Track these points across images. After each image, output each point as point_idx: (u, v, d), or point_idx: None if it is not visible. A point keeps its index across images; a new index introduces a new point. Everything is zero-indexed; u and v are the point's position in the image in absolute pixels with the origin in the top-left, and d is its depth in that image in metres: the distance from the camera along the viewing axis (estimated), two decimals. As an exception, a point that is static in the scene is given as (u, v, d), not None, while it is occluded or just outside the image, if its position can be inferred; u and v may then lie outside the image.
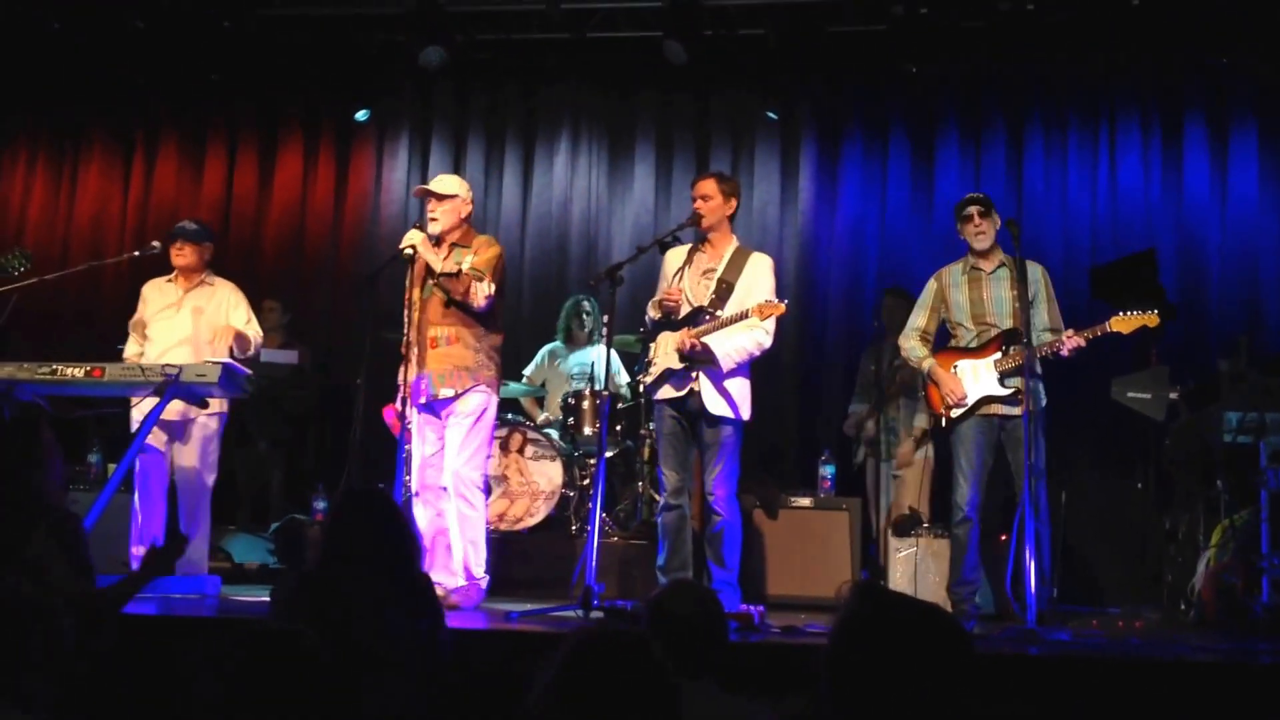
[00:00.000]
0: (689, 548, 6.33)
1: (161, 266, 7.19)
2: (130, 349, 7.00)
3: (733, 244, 6.48)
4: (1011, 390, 6.16)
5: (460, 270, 6.29)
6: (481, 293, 6.28)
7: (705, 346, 6.16)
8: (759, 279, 6.36)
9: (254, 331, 7.00)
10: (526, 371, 8.82)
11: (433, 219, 6.41)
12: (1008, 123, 9.55)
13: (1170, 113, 9.28)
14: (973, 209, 6.44)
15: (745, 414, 6.29)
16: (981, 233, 6.39)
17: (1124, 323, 6.12)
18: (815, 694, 2.30)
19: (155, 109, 10.46)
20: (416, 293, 6.42)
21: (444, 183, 6.59)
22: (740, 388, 6.28)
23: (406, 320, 6.46)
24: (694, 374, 6.22)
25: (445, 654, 3.99)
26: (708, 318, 6.24)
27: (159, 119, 10.58)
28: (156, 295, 7.05)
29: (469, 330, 6.34)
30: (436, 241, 6.40)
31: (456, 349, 6.31)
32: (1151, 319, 6.10)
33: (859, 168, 9.76)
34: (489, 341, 6.42)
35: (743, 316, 6.13)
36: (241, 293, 7.12)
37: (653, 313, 6.46)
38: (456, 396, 6.26)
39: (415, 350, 6.35)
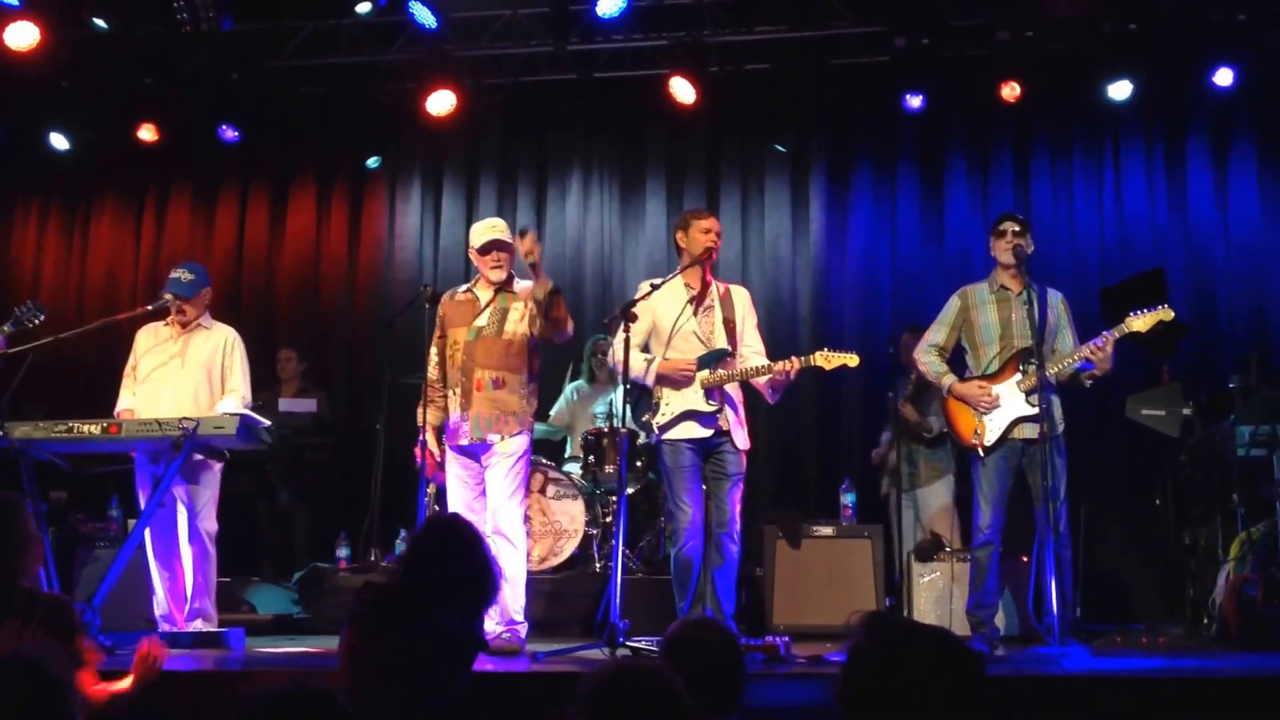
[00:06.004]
0: (702, 583, 6.31)
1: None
2: (122, 401, 6.65)
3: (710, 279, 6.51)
4: (1040, 408, 6.02)
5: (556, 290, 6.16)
6: (570, 326, 6.33)
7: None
8: (749, 312, 6.47)
9: (238, 401, 6.59)
10: (553, 412, 8.85)
11: (497, 267, 6.32)
12: (1014, 150, 9.62)
13: (1172, 135, 9.35)
14: (1008, 225, 6.40)
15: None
16: (1015, 250, 6.31)
17: (1141, 321, 6.08)
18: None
19: (166, 160, 10.47)
20: (460, 333, 6.28)
21: (506, 230, 6.43)
22: (742, 415, 6.34)
23: (440, 361, 6.35)
24: (720, 411, 6.20)
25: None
26: (730, 358, 6.28)
27: (170, 170, 10.67)
28: (149, 340, 6.76)
29: (516, 375, 6.23)
30: (497, 289, 6.32)
31: (503, 394, 6.18)
32: (1166, 313, 6.04)
33: (869, 198, 9.83)
34: (533, 386, 6.34)
35: (768, 370, 6.19)
36: (239, 341, 6.77)
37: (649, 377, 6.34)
38: (500, 440, 6.14)
39: (456, 392, 6.23)
